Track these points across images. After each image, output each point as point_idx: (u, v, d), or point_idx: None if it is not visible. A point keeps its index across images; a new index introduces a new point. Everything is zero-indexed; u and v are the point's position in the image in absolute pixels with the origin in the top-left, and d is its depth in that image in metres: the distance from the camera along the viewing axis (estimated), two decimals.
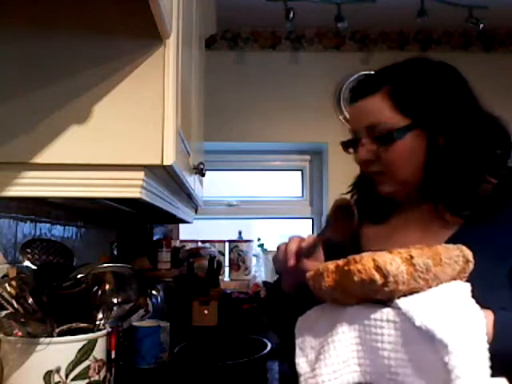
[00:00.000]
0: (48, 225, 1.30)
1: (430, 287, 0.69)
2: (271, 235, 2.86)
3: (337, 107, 2.58)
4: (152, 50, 0.85)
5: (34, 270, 0.97)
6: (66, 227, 1.44)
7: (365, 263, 0.65)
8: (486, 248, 0.83)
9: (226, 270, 2.65)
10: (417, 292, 0.68)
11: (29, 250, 0.99)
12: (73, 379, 0.87)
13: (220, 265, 2.40)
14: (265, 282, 2.47)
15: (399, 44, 2.60)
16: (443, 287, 0.70)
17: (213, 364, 1.53)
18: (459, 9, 2.18)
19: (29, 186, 0.84)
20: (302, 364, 0.72)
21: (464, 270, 0.72)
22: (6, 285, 0.89)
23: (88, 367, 0.89)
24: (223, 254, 2.63)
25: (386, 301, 0.68)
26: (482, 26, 2.22)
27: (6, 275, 0.95)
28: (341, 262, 0.70)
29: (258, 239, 2.72)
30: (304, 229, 2.79)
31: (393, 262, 0.65)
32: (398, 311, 0.66)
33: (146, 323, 1.52)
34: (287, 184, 2.86)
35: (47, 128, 0.83)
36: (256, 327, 2.11)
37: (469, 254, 0.72)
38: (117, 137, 0.84)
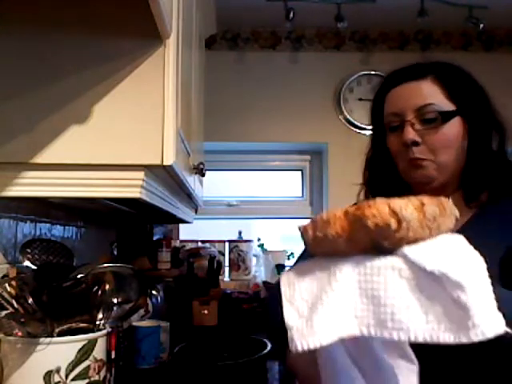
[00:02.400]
0: (48, 225, 1.30)
1: (431, 237, 0.67)
2: (271, 235, 2.86)
3: (337, 107, 2.58)
4: (152, 49, 0.85)
5: (33, 270, 0.97)
6: (66, 227, 1.44)
7: (380, 208, 0.63)
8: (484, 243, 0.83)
9: (226, 270, 2.65)
10: (420, 241, 0.66)
11: (29, 250, 0.99)
12: (73, 379, 0.87)
13: (220, 265, 2.40)
14: (265, 282, 2.47)
15: (399, 44, 2.60)
16: (444, 237, 0.69)
17: (213, 364, 1.52)
18: (459, 9, 2.18)
19: (29, 185, 0.84)
20: (291, 317, 0.66)
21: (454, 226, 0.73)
22: (6, 285, 0.89)
23: (88, 367, 0.89)
24: (223, 254, 2.63)
25: (391, 250, 0.66)
26: (481, 25, 2.22)
27: (5, 275, 0.95)
28: (350, 208, 0.68)
29: (258, 239, 2.72)
30: None
31: (407, 207, 0.64)
32: (404, 258, 0.65)
33: (146, 323, 1.52)
34: (287, 184, 2.86)
35: (47, 128, 0.83)
36: (256, 327, 2.11)
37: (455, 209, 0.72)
38: (117, 137, 0.84)
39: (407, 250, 0.65)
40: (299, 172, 2.83)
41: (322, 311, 0.63)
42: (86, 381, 0.89)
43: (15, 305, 0.89)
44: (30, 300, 0.90)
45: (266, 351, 1.57)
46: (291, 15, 2.18)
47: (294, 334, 0.64)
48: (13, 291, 0.89)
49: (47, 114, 0.84)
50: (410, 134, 0.95)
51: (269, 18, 2.39)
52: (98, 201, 1.09)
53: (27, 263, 0.97)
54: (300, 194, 2.82)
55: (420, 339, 0.60)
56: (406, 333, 0.61)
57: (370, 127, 1.10)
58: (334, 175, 2.57)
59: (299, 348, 0.62)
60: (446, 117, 0.95)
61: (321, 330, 0.62)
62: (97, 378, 0.90)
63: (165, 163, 0.84)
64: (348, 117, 2.55)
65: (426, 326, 0.60)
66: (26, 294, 0.90)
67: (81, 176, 0.84)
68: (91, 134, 0.84)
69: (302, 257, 1.05)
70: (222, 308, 2.15)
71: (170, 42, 0.87)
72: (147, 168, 0.86)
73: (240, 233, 2.69)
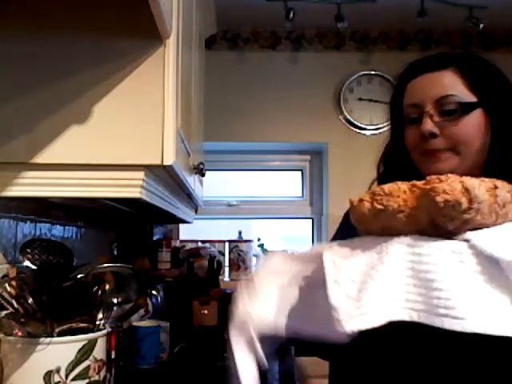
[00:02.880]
0: (48, 225, 1.30)
1: (495, 224, 0.63)
2: (271, 235, 2.86)
3: (337, 107, 2.58)
4: (152, 49, 0.85)
5: (33, 270, 0.97)
6: (66, 227, 1.44)
7: (452, 184, 0.59)
8: None
9: (226, 269, 2.65)
10: (484, 227, 0.62)
11: (29, 250, 0.99)
12: (73, 379, 0.87)
13: (220, 265, 2.40)
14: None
15: (399, 44, 2.60)
16: (509, 225, 0.64)
17: (213, 364, 1.53)
18: (459, 9, 2.18)
19: (29, 185, 0.84)
20: (338, 297, 0.60)
21: None
22: (6, 285, 0.89)
23: (88, 367, 0.89)
24: (223, 254, 2.63)
25: (452, 233, 0.61)
26: (481, 25, 2.22)
27: (5, 275, 0.95)
28: (416, 182, 0.63)
29: (258, 239, 2.72)
30: (304, 229, 2.80)
31: (480, 187, 0.59)
32: (468, 243, 0.60)
33: (146, 323, 1.52)
34: (287, 184, 2.86)
35: (47, 128, 0.84)
36: None
37: None
38: (117, 137, 0.84)
39: (472, 234, 0.60)
40: (299, 172, 2.83)
41: (371, 292, 0.59)
42: (86, 381, 0.89)
43: (15, 305, 0.89)
44: (30, 300, 0.90)
45: None
46: (291, 15, 2.18)
47: (341, 315, 0.59)
48: (13, 291, 0.89)
49: (47, 114, 0.84)
50: (428, 125, 0.91)
51: (269, 18, 2.39)
52: (98, 201, 1.09)
53: (27, 263, 0.97)
54: (300, 194, 2.82)
55: (477, 330, 0.55)
56: (461, 322, 0.55)
57: (389, 120, 1.06)
58: (334, 175, 2.57)
59: (347, 329, 0.58)
60: (466, 108, 0.91)
61: (371, 311, 0.58)
62: (97, 378, 0.90)
63: (165, 163, 0.84)
64: (348, 117, 2.55)
65: (487, 316, 0.55)
66: (26, 294, 0.90)
67: (81, 176, 0.84)
68: (91, 134, 0.84)
69: (335, 238, 1.01)
70: (222, 308, 2.15)
71: (170, 42, 0.87)
72: (147, 168, 0.86)
73: (240, 233, 2.69)
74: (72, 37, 0.86)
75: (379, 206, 0.64)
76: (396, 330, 0.60)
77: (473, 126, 0.92)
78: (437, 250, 0.59)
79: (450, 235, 0.61)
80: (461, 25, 2.26)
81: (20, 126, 0.83)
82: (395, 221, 0.63)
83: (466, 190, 0.59)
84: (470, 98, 0.92)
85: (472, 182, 0.60)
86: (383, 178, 1.04)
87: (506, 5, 2.24)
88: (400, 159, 1.01)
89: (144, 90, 0.85)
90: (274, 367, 1.69)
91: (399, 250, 0.61)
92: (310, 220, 2.79)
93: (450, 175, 0.61)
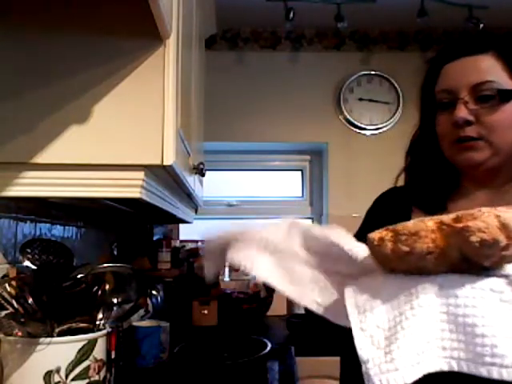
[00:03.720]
0: (48, 225, 1.30)
1: None
2: None
3: (337, 107, 2.58)
4: (152, 49, 0.85)
5: (33, 269, 0.97)
6: (66, 227, 1.44)
7: (487, 220, 0.53)
8: None
9: (226, 269, 2.64)
10: None
11: (29, 250, 0.99)
12: (73, 379, 0.87)
13: None
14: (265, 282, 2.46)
15: (399, 44, 2.60)
16: None
17: (213, 364, 1.52)
18: (459, 9, 2.18)
19: (29, 185, 0.84)
20: (366, 348, 0.54)
21: None
22: (6, 285, 0.89)
23: (88, 367, 0.89)
24: None
25: (487, 268, 0.56)
26: (481, 25, 2.22)
27: (6, 275, 0.95)
28: (444, 218, 0.56)
29: None
30: None
31: None
32: (506, 279, 0.55)
33: (146, 323, 1.52)
34: (287, 184, 2.86)
35: (47, 128, 0.83)
36: (256, 327, 2.11)
37: None
38: (117, 137, 0.84)
39: (511, 268, 0.55)
40: (299, 172, 2.83)
41: (402, 342, 0.53)
42: (86, 381, 0.89)
43: (15, 305, 0.89)
44: (30, 300, 0.90)
45: (265, 351, 1.57)
46: (291, 15, 2.18)
47: (370, 369, 0.53)
48: (13, 291, 0.89)
49: (47, 114, 0.84)
50: (462, 112, 0.85)
51: (269, 18, 2.39)
52: (98, 201, 1.09)
53: (27, 263, 0.97)
54: (300, 194, 2.82)
55: None
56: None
57: (419, 106, 0.99)
58: (334, 175, 2.57)
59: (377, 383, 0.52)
60: (505, 96, 0.85)
61: (404, 366, 0.52)
62: (97, 378, 0.90)
63: (165, 163, 0.84)
64: (348, 117, 2.55)
65: None
66: (26, 293, 0.90)
67: (81, 176, 0.84)
68: (91, 133, 0.84)
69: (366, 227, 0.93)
70: (222, 308, 2.15)
71: (170, 42, 0.87)
72: (147, 168, 0.86)
73: None
74: (72, 37, 0.86)
75: (405, 248, 0.56)
76: (434, 382, 0.54)
77: (510, 114, 0.86)
78: (473, 291, 0.54)
79: (484, 270, 0.56)
80: (461, 25, 2.26)
81: (20, 126, 0.83)
82: (423, 261, 0.57)
83: (503, 226, 0.53)
84: (510, 85, 0.86)
85: (509, 215, 0.54)
86: (410, 167, 0.99)
87: (506, 5, 2.24)
88: (429, 148, 0.95)
89: (144, 90, 0.85)
90: (274, 367, 1.69)
91: (430, 292, 0.55)
92: (310, 220, 2.79)
93: (482, 209, 0.55)
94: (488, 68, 0.87)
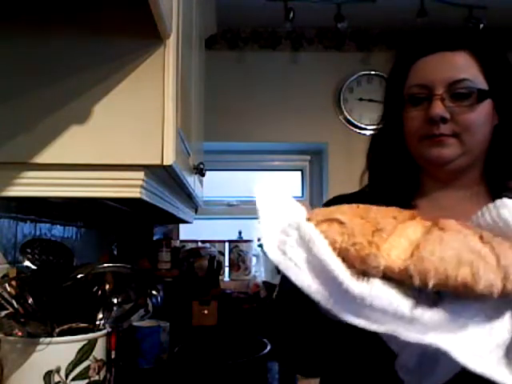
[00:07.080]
0: (48, 225, 1.30)
1: None
2: None
3: (337, 107, 2.58)
4: (152, 49, 0.85)
5: (33, 270, 0.97)
6: (66, 227, 1.44)
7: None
8: None
9: (226, 269, 2.64)
10: None
11: (29, 250, 0.99)
12: (73, 379, 0.87)
13: (220, 265, 2.40)
14: (265, 282, 2.47)
15: (399, 44, 2.60)
16: None
17: (213, 364, 1.52)
18: (459, 9, 2.18)
19: (29, 185, 0.84)
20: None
21: None
22: (6, 285, 0.89)
23: (88, 367, 0.89)
24: (223, 254, 2.63)
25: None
26: (481, 25, 2.22)
27: (6, 275, 0.95)
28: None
29: (258, 239, 2.72)
30: None
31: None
32: None
33: (146, 323, 1.52)
34: (287, 184, 2.86)
35: (47, 128, 0.83)
36: (256, 327, 2.11)
37: None
38: (117, 137, 0.84)
39: None
40: (299, 172, 2.83)
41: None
42: (86, 381, 0.89)
43: (15, 305, 0.89)
44: (30, 300, 0.90)
45: (265, 351, 1.57)
46: (291, 15, 2.18)
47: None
48: (13, 291, 0.89)
49: (47, 114, 0.84)
50: (439, 108, 0.84)
51: (269, 18, 2.39)
52: (98, 201, 1.09)
53: (27, 263, 0.97)
54: (300, 194, 2.82)
55: None
56: None
57: (383, 100, 0.97)
58: (334, 175, 2.56)
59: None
60: (481, 96, 0.85)
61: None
62: (97, 378, 0.90)
63: (165, 163, 0.84)
64: (348, 117, 2.55)
65: None
66: (26, 293, 0.90)
67: (81, 176, 0.84)
68: (91, 133, 0.84)
69: None
70: (222, 308, 2.15)
71: (170, 42, 0.87)
72: (147, 168, 0.86)
73: (240, 233, 2.69)
74: (72, 36, 0.86)
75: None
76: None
77: (484, 114, 0.86)
78: None
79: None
80: (461, 25, 2.26)
81: (20, 126, 0.83)
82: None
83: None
84: (483, 85, 0.86)
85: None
86: (373, 168, 0.98)
87: (506, 5, 2.24)
88: (392, 146, 0.93)
89: (144, 90, 0.85)
90: (274, 367, 1.69)
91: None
92: None
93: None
94: (464, 65, 0.86)
